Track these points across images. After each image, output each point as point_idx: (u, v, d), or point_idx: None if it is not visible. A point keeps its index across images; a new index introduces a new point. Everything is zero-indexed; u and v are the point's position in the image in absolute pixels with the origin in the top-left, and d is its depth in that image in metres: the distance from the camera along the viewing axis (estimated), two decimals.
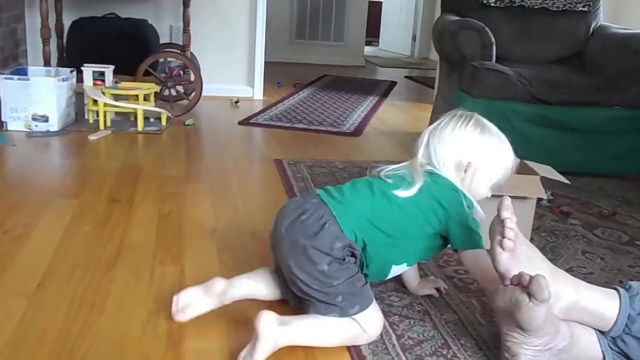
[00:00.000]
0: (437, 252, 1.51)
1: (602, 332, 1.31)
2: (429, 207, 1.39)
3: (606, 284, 1.74)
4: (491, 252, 1.34)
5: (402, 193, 1.39)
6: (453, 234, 1.40)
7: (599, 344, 1.30)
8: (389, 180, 1.42)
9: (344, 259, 1.33)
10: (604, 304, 1.30)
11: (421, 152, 1.48)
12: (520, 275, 1.24)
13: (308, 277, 1.32)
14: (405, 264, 1.47)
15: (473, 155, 1.43)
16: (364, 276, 1.39)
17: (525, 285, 1.21)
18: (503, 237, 1.30)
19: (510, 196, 1.67)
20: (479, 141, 1.44)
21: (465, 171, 1.43)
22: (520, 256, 1.31)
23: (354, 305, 1.33)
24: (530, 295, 1.20)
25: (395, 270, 1.47)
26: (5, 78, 2.99)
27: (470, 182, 1.44)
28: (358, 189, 1.42)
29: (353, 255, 1.35)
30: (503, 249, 1.30)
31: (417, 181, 1.40)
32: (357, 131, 3.54)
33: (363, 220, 1.36)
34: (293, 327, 1.31)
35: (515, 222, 1.31)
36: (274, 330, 1.27)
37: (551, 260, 1.89)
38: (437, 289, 1.65)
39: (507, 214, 1.31)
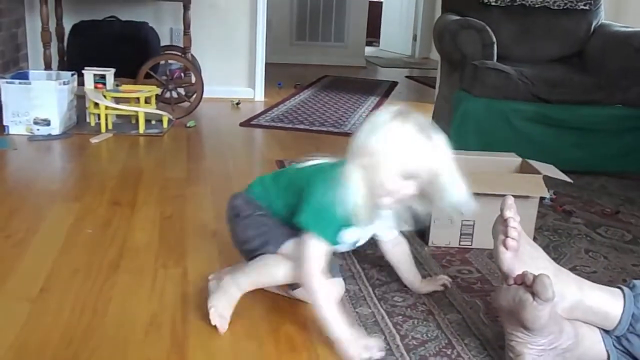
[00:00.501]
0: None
1: (606, 331, 1.30)
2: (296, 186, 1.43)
3: (610, 283, 1.73)
4: (494, 251, 1.33)
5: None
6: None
7: (603, 343, 1.30)
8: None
9: (238, 215, 1.49)
10: (608, 302, 1.30)
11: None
12: (524, 275, 1.23)
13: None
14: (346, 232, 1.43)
15: (375, 143, 1.32)
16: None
17: (529, 284, 1.21)
18: (506, 236, 1.30)
19: (512, 195, 1.67)
20: (385, 128, 1.33)
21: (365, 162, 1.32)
22: (523, 255, 1.30)
23: (267, 244, 1.43)
24: (534, 294, 1.19)
25: (346, 238, 1.44)
26: (7, 82, 2.99)
27: (372, 171, 1.32)
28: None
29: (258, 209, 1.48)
30: (506, 248, 1.30)
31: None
32: None
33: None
34: (235, 272, 1.45)
35: (519, 221, 1.31)
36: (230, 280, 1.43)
37: (554, 259, 1.88)
38: (444, 285, 1.65)
39: (510, 213, 1.30)
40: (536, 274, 1.21)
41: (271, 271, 1.41)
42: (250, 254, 1.47)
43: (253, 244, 1.45)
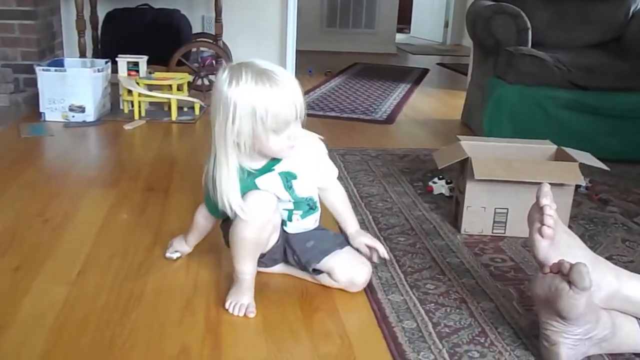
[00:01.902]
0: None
1: None
2: None
3: None
4: (530, 239, 1.32)
5: None
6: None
7: None
8: None
9: None
10: None
11: None
12: (560, 264, 1.22)
13: None
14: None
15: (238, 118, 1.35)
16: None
17: (565, 273, 1.19)
18: (542, 224, 1.28)
19: (547, 183, 1.64)
20: (229, 98, 1.34)
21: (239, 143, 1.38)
22: (559, 243, 1.29)
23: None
24: (570, 283, 1.18)
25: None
26: (43, 70, 3.05)
27: (259, 145, 1.39)
28: None
29: None
30: (542, 236, 1.28)
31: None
32: (390, 119, 3.52)
33: None
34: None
35: (555, 209, 1.29)
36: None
37: (590, 248, 1.86)
38: (372, 252, 1.62)
39: (547, 200, 1.29)
40: (573, 262, 1.20)
41: (236, 236, 1.44)
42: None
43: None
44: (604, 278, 1.27)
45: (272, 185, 1.47)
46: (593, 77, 2.75)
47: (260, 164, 1.46)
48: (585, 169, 1.92)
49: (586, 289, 1.17)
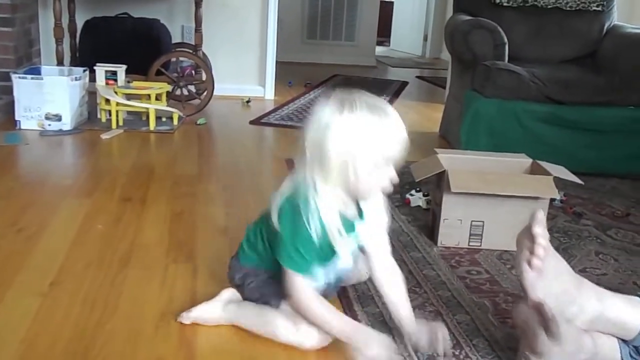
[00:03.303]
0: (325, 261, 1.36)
1: (624, 340, 1.29)
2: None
3: (620, 285, 1.73)
4: (517, 265, 1.29)
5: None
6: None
7: (620, 352, 1.28)
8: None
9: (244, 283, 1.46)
10: (628, 313, 1.27)
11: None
12: (541, 307, 1.20)
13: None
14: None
15: (341, 147, 1.23)
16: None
17: (545, 318, 1.19)
18: (532, 254, 1.24)
19: (523, 196, 1.66)
20: (337, 126, 1.23)
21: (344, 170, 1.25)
22: (547, 271, 1.25)
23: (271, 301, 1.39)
24: (546, 330, 1.19)
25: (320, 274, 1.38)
26: (19, 77, 3.01)
27: (355, 180, 1.26)
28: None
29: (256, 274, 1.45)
30: (531, 267, 1.25)
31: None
32: None
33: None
34: (243, 307, 1.44)
35: (548, 238, 1.25)
36: (231, 302, 1.44)
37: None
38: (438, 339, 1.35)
39: (539, 229, 1.23)
40: (559, 290, 1.20)
41: (270, 326, 1.36)
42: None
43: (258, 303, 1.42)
44: (588, 301, 1.26)
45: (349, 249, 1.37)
46: (568, 91, 2.79)
47: (349, 209, 1.34)
48: (560, 182, 1.95)
49: (558, 345, 1.18)
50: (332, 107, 1.25)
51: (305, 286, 1.30)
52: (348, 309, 1.53)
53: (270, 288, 1.40)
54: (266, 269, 1.43)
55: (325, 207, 1.27)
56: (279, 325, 1.34)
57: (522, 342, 1.28)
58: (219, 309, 1.42)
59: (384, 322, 1.48)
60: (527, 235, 1.26)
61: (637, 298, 1.30)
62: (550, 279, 1.25)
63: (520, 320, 1.27)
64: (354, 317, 1.47)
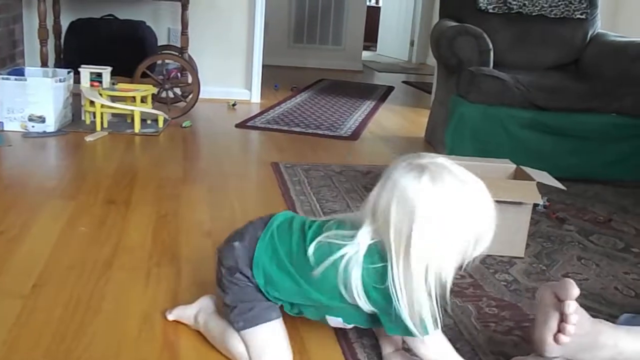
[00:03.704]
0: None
1: None
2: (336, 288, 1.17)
3: (601, 290, 1.75)
4: (537, 331, 1.22)
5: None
6: (383, 321, 1.18)
7: None
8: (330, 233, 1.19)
9: (232, 275, 1.28)
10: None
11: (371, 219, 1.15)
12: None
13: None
14: (340, 319, 1.27)
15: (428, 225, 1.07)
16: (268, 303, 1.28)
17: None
18: (559, 331, 1.17)
19: (506, 201, 1.67)
20: (424, 201, 1.07)
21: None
22: (570, 344, 1.20)
23: (237, 321, 1.28)
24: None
25: (333, 322, 1.29)
26: (2, 78, 2.99)
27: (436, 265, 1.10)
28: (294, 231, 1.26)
29: (249, 280, 1.27)
30: (557, 342, 1.18)
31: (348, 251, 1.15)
32: (355, 135, 3.54)
33: (282, 265, 1.24)
34: (210, 320, 1.37)
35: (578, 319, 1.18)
36: (201, 312, 1.39)
37: (547, 265, 1.90)
38: None
39: (573, 308, 1.16)
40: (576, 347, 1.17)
41: (232, 352, 1.29)
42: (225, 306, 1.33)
43: (233, 311, 1.29)
44: (601, 350, 1.21)
45: None
46: (552, 98, 2.82)
47: None
48: (543, 187, 1.97)
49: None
50: (414, 179, 1.09)
51: (446, 345, 1.21)
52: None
53: (262, 309, 1.28)
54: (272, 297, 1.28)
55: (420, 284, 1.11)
56: (242, 353, 1.28)
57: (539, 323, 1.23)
58: (192, 317, 1.41)
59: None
60: (554, 306, 1.18)
61: None
62: (572, 347, 1.20)
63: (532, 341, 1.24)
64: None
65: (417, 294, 1.10)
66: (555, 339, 1.17)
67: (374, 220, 1.14)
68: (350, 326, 1.31)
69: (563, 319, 1.17)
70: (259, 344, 1.26)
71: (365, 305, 1.16)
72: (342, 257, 1.14)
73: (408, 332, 1.14)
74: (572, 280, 1.18)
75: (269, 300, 1.28)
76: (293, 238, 1.25)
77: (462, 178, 1.11)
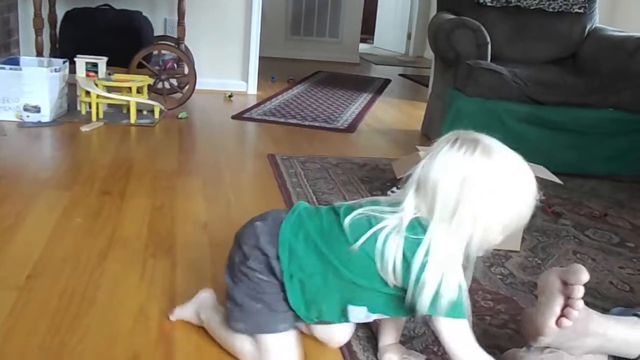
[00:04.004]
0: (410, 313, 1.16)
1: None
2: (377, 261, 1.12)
3: (597, 284, 1.75)
4: (539, 314, 1.21)
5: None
6: (417, 298, 1.10)
7: None
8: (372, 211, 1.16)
9: (248, 258, 1.20)
10: (631, 339, 1.25)
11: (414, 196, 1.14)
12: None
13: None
14: (365, 308, 1.20)
15: (480, 197, 1.08)
16: (280, 303, 1.21)
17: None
18: (562, 315, 1.17)
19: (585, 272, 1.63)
20: (485, 172, 1.09)
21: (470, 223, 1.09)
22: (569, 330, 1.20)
23: (237, 320, 1.23)
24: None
25: (355, 313, 1.21)
26: None
27: (481, 231, 1.10)
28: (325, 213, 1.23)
29: (268, 266, 1.19)
30: (559, 327, 1.17)
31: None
32: (351, 127, 3.53)
33: (309, 241, 1.18)
34: (212, 320, 1.33)
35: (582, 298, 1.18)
36: (202, 308, 1.36)
37: (542, 259, 1.90)
38: None
39: (580, 293, 1.16)
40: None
41: (236, 350, 1.26)
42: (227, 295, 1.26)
43: (236, 309, 1.23)
44: (593, 337, 1.22)
45: None
46: (549, 92, 2.81)
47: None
48: (539, 182, 1.95)
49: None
50: (464, 150, 1.10)
51: (469, 334, 1.15)
52: None
53: (269, 319, 1.21)
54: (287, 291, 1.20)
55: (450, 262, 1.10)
56: (247, 354, 1.25)
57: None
58: (194, 315, 1.37)
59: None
60: (559, 289, 1.19)
61: (634, 318, 1.28)
62: (565, 333, 1.20)
63: (523, 327, 1.25)
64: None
65: (454, 268, 1.09)
66: (558, 323, 1.17)
67: (417, 195, 1.12)
68: (373, 318, 1.23)
69: (569, 303, 1.16)
70: (263, 348, 1.21)
71: (398, 280, 1.11)
72: (383, 228, 1.12)
73: (435, 309, 1.09)
74: (581, 266, 1.17)
75: (283, 293, 1.20)
76: (324, 217, 1.21)
77: (510, 155, 1.14)
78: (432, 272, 1.08)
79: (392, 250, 1.10)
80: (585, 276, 1.15)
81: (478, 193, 1.08)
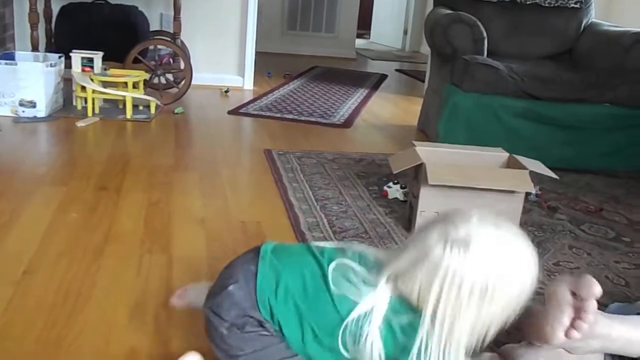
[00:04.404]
0: None
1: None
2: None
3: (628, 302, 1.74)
4: (547, 324, 1.18)
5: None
6: None
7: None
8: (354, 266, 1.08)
9: (243, 327, 1.10)
10: (633, 337, 1.24)
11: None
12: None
13: (211, 341, 1.14)
14: None
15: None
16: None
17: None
18: (572, 326, 1.14)
19: (498, 190, 1.67)
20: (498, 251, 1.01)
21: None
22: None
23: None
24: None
25: None
26: None
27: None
28: (300, 254, 1.14)
29: (262, 326, 1.10)
30: (568, 337, 1.15)
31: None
32: (348, 123, 3.53)
33: (290, 300, 1.09)
34: None
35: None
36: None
37: (538, 254, 1.89)
38: None
39: (591, 308, 1.13)
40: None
41: None
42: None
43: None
44: (594, 339, 1.21)
45: None
46: (545, 87, 2.81)
47: None
48: (535, 176, 1.97)
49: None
50: (460, 254, 1.00)
51: None
52: None
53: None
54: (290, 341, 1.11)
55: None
56: None
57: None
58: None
59: None
60: (568, 301, 1.16)
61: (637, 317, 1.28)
62: (579, 344, 1.19)
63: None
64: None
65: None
66: (567, 334, 1.14)
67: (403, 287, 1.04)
68: None
69: (580, 316, 1.13)
70: None
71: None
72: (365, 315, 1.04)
73: None
74: (592, 278, 1.14)
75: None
76: (306, 270, 1.10)
77: (508, 245, 1.03)
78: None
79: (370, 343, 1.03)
80: (598, 289, 1.12)
81: (478, 297, 0.99)
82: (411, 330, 1.03)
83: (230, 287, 1.10)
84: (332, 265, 1.08)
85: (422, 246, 1.02)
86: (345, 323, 1.04)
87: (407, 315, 1.04)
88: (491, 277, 0.99)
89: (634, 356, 1.27)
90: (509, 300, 1.01)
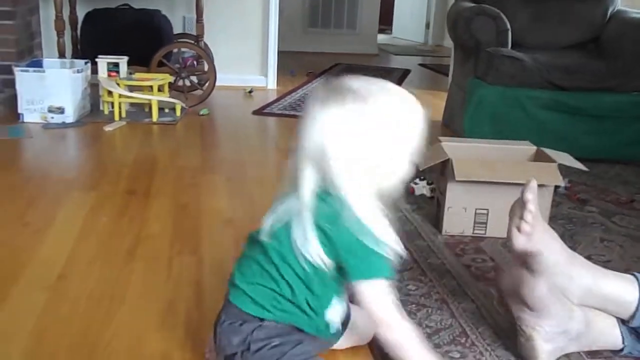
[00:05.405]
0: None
1: (622, 321, 1.30)
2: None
3: (626, 272, 1.73)
4: (508, 233, 1.33)
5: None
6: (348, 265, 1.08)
7: (619, 328, 1.29)
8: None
9: (249, 348, 1.12)
10: (622, 288, 1.29)
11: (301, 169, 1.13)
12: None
13: None
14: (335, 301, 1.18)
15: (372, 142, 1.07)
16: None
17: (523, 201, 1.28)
18: (521, 219, 1.29)
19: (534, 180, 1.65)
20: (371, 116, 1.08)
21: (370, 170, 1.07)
22: (536, 240, 1.30)
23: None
24: (528, 268, 1.26)
25: (334, 313, 1.18)
26: (21, 71, 3.01)
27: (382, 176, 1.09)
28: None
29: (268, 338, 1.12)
30: (520, 232, 1.29)
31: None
32: None
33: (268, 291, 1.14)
34: None
35: (536, 205, 1.30)
36: None
37: (569, 248, 1.88)
38: None
39: (530, 195, 1.28)
40: (549, 257, 1.25)
41: None
42: None
43: None
44: (579, 274, 1.28)
45: None
46: (571, 77, 2.78)
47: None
48: (564, 169, 1.94)
49: (546, 277, 1.25)
50: (329, 103, 1.07)
51: (388, 298, 1.09)
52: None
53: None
54: (295, 323, 1.15)
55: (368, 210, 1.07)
56: None
57: (514, 309, 1.32)
58: None
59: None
60: (518, 204, 1.31)
61: (631, 276, 1.31)
62: (539, 247, 1.28)
63: (507, 283, 1.33)
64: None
65: (379, 220, 1.07)
66: (518, 228, 1.28)
67: (310, 166, 1.11)
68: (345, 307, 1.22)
69: (523, 213, 1.28)
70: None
71: (326, 260, 1.07)
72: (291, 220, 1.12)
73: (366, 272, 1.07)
74: (535, 182, 1.30)
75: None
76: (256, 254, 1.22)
77: (382, 90, 1.15)
78: (361, 232, 1.05)
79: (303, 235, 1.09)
80: (532, 183, 1.28)
81: (366, 142, 1.06)
82: (335, 215, 1.06)
83: (216, 325, 1.18)
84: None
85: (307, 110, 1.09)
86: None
87: (327, 206, 1.08)
88: (373, 120, 1.07)
89: (623, 316, 1.30)
90: (398, 141, 1.11)
